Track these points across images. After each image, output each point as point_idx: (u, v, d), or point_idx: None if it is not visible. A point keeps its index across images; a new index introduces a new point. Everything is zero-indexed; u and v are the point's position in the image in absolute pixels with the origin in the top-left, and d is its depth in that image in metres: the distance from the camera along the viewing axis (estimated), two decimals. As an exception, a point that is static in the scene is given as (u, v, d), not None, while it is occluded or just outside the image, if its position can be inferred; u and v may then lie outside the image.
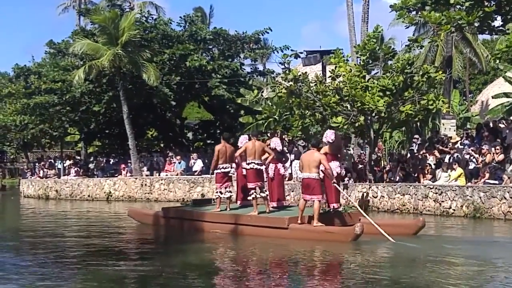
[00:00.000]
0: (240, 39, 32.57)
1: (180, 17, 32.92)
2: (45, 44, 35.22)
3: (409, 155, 21.99)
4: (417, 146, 22.25)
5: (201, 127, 36.87)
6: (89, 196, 29.19)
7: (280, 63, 20.48)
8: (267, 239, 12.74)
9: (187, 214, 15.32)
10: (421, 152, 21.01)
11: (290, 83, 19.85)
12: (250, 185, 13.91)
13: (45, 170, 34.50)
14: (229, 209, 14.67)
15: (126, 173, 28.90)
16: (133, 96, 30.53)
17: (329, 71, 20.48)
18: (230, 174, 15.00)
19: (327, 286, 9.07)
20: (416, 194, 18.61)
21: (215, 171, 14.86)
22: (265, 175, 14.37)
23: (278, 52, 30.33)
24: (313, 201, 12.57)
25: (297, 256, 11.34)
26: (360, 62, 20.65)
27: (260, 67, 39.06)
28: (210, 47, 33.34)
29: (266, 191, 14.10)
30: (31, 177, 35.33)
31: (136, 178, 27.94)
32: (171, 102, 31.35)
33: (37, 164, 37.07)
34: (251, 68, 36.06)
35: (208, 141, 35.86)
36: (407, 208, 18.77)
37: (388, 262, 10.79)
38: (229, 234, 13.66)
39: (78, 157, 36.96)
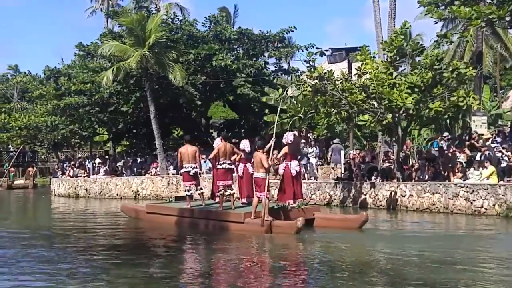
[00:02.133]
0: (265, 38, 32.58)
1: (205, 17, 33.17)
2: (74, 47, 35.86)
3: (438, 153, 21.61)
4: (446, 143, 21.86)
5: (226, 126, 36.82)
6: (117, 194, 29.46)
7: (305, 61, 20.18)
8: (227, 231, 14.15)
9: (163, 210, 16.74)
10: (451, 150, 20.62)
11: (315, 81, 19.63)
12: (218, 183, 15.24)
13: (75, 169, 34.92)
14: (204, 204, 16.00)
15: (157, 170, 28.95)
16: (159, 96, 30.79)
17: (355, 69, 20.18)
18: (194, 173, 16.00)
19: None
20: (446, 193, 18.26)
21: (182, 171, 16.14)
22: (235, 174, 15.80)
23: (302, 51, 30.17)
24: (262, 198, 13.66)
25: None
26: (387, 59, 20.32)
27: (285, 66, 38.81)
28: (235, 46, 33.44)
29: (232, 189, 15.29)
30: (61, 176, 35.74)
31: (162, 177, 28.11)
32: (196, 102, 31.49)
33: (67, 163, 37.52)
34: (275, 67, 36.04)
35: (233, 140, 35.83)
36: (437, 207, 18.44)
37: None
38: (196, 227, 15.15)
39: (107, 156, 37.30)
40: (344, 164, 23.59)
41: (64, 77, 34.93)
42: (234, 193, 15.29)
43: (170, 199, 18.76)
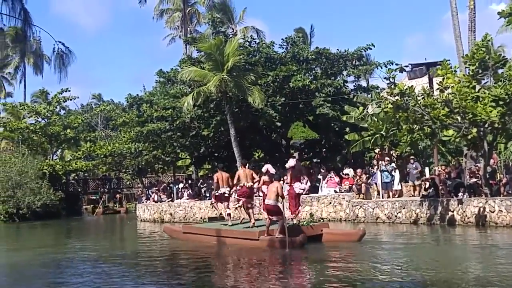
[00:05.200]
0: (342, 57, 32.31)
1: (282, 39, 33.21)
2: (155, 74, 36.81)
3: (527, 166, 20.94)
4: (535, 156, 21.16)
5: (307, 146, 36.85)
6: (201, 218, 29.81)
7: (385, 78, 20.08)
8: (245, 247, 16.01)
9: (194, 230, 19.30)
10: (541, 163, 19.94)
11: (396, 97, 19.50)
12: (237, 197, 18.20)
13: (159, 194, 35.74)
14: (231, 223, 18.47)
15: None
16: (239, 119, 31.16)
17: (437, 83, 19.93)
18: (226, 195, 18.99)
19: None
20: (537, 207, 17.66)
21: (215, 194, 19.16)
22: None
23: (381, 68, 29.87)
24: (278, 220, 15.53)
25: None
26: (469, 72, 19.97)
27: (363, 83, 38.49)
28: (313, 66, 33.29)
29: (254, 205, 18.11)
30: (146, 202, 36.65)
31: (245, 199, 28.32)
32: (276, 123, 31.65)
33: (151, 189, 38.44)
34: (354, 85, 35.73)
35: (314, 160, 35.81)
36: (528, 222, 17.85)
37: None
38: (220, 244, 17.10)
39: (190, 181, 38.03)
40: (428, 181, 23.20)
41: (146, 104, 35.79)
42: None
43: (204, 220, 21.31)
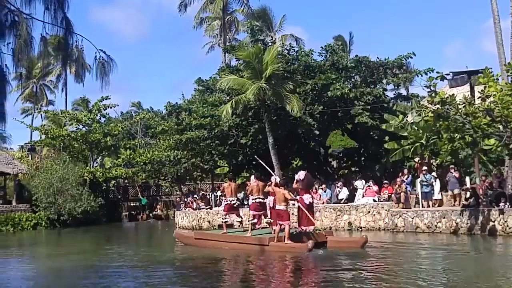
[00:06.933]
0: (382, 65, 31.90)
1: (321, 47, 33.08)
2: (194, 82, 37.09)
3: None
4: None
5: (345, 155, 36.57)
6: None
7: (425, 86, 19.83)
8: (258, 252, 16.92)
9: (205, 236, 20.30)
10: None
11: (437, 106, 19.24)
12: (252, 213, 19.04)
13: (197, 201, 35.95)
14: (244, 230, 19.74)
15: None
16: (277, 127, 31.15)
17: (478, 92, 19.61)
18: (234, 205, 20.13)
19: None
20: None
21: (224, 203, 20.40)
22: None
23: (422, 76, 29.43)
24: (285, 226, 16.66)
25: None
26: (511, 81, 19.61)
27: (403, 92, 38.00)
28: (352, 74, 32.99)
29: (269, 218, 18.38)
30: (184, 209, 36.90)
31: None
32: (314, 132, 31.51)
33: (190, 196, 38.67)
34: (394, 93, 35.34)
35: (353, 169, 35.54)
36: None
37: None
38: (232, 249, 17.69)
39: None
40: (469, 190, 22.83)
41: (185, 112, 36.06)
42: (271, 221, 18.24)
43: (214, 227, 22.92)
